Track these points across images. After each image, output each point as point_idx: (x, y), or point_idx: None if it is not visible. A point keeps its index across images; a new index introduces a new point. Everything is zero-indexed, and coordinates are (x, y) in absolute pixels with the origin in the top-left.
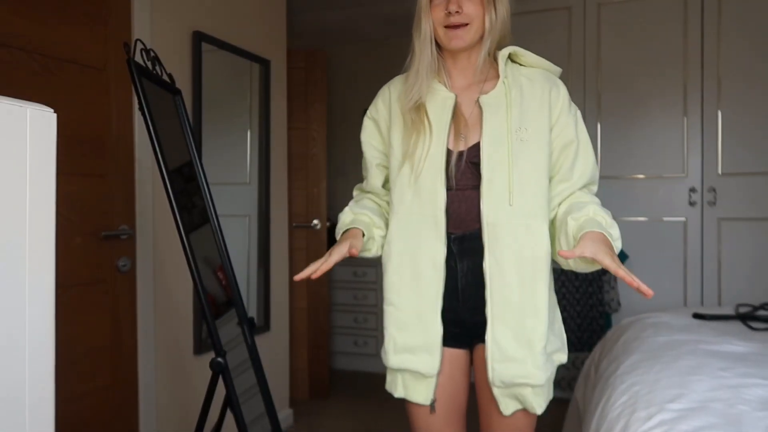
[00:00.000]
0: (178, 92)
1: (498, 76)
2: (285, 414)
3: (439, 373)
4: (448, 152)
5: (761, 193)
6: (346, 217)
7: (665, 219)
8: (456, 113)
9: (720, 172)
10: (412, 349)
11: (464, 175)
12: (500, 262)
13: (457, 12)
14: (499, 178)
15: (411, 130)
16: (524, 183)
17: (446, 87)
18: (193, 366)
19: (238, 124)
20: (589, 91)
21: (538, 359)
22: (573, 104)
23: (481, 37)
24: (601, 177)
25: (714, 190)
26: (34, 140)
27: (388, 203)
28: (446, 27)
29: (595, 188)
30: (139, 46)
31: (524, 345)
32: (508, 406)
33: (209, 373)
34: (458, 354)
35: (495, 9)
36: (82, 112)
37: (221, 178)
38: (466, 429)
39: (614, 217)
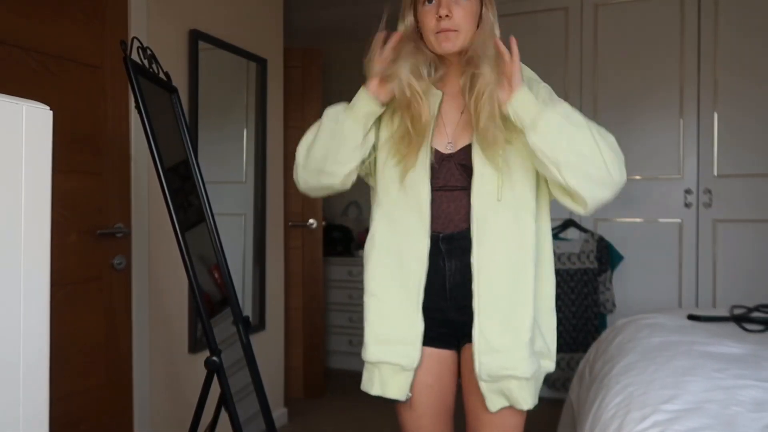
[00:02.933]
0: (174, 90)
1: None
2: (280, 413)
3: (417, 368)
4: (435, 152)
5: (757, 195)
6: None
7: (661, 220)
8: (440, 111)
9: (716, 173)
10: (392, 341)
11: (452, 176)
12: (488, 255)
13: (447, 16)
14: (489, 176)
15: (406, 113)
16: (514, 180)
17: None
18: (188, 364)
19: (235, 122)
20: (585, 92)
21: (523, 350)
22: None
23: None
24: None
25: (709, 191)
26: (30, 138)
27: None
28: (437, 33)
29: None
30: (136, 44)
31: (510, 335)
32: (494, 403)
33: (204, 371)
34: (446, 355)
35: (482, 20)
36: (78, 109)
37: (217, 177)
38: (454, 430)
39: (611, 218)
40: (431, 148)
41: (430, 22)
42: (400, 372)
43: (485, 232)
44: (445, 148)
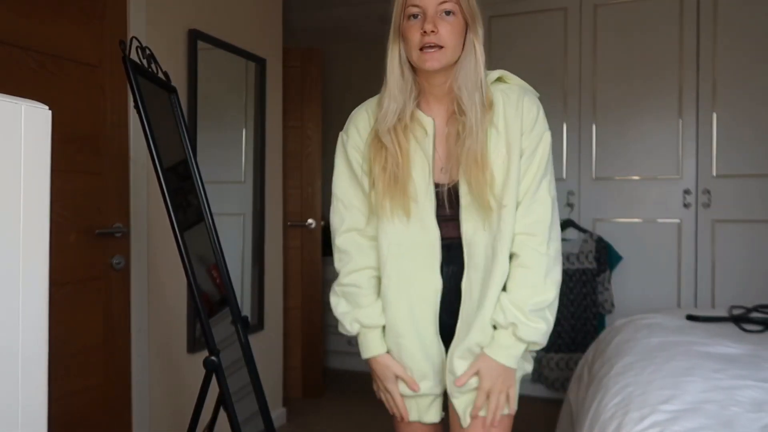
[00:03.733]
0: (173, 90)
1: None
2: (278, 413)
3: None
4: (435, 182)
5: (756, 195)
6: (351, 327)
7: (659, 220)
8: (435, 138)
9: (714, 173)
10: (428, 375)
11: (451, 202)
12: (471, 282)
13: (432, 32)
14: (476, 210)
15: (390, 157)
16: (504, 203)
17: (423, 111)
18: (187, 364)
19: (234, 122)
20: (584, 92)
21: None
22: (544, 122)
23: (456, 62)
24: (596, 178)
25: (708, 191)
26: (29, 137)
27: (371, 237)
28: (420, 49)
29: (544, 229)
30: (135, 43)
31: (487, 334)
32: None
33: (203, 371)
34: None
35: (465, 46)
36: (77, 109)
37: (216, 177)
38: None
39: (610, 218)
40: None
41: (414, 37)
42: (437, 398)
43: (471, 257)
44: (441, 175)
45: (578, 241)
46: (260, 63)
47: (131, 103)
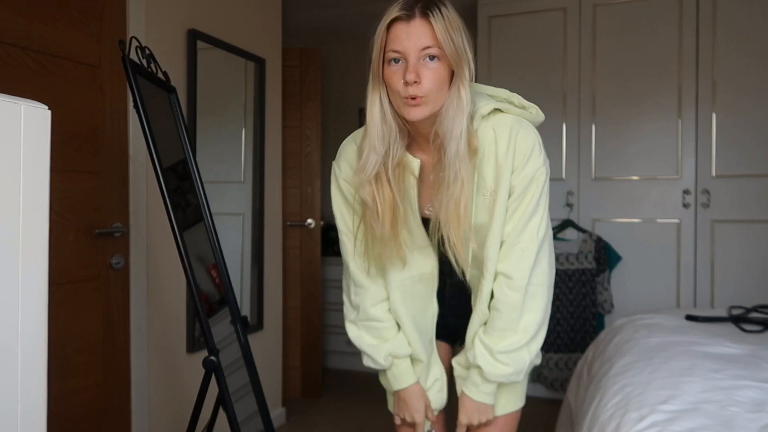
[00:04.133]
0: (172, 90)
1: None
2: (277, 413)
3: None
4: (424, 219)
5: (755, 196)
6: (386, 361)
7: (659, 220)
8: (421, 177)
9: (714, 174)
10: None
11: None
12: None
13: (415, 82)
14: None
15: (370, 213)
16: (488, 243)
17: (412, 152)
18: (186, 364)
19: (233, 122)
20: (583, 92)
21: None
22: (539, 157)
23: (442, 107)
24: (596, 178)
25: (708, 192)
26: (28, 137)
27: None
28: (404, 98)
29: (522, 273)
30: (134, 43)
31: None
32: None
33: (202, 371)
34: (440, 345)
35: (451, 90)
36: (76, 109)
37: (215, 177)
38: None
39: (610, 219)
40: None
41: (396, 85)
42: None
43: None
44: (427, 213)
45: (577, 241)
46: (259, 63)
47: (130, 103)
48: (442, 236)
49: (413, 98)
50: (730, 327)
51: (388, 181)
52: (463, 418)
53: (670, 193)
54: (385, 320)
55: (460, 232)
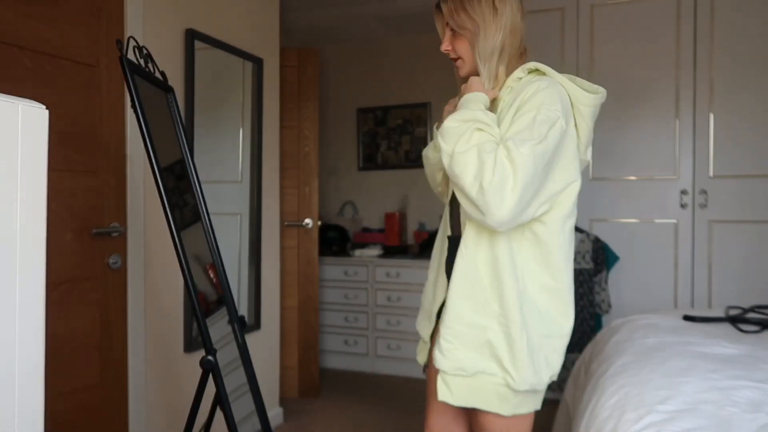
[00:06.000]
0: (170, 90)
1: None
2: (275, 413)
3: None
4: None
5: (752, 196)
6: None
7: (656, 221)
8: None
9: (711, 174)
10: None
11: None
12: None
13: (447, 50)
14: None
15: None
16: None
17: None
18: (183, 364)
19: (231, 122)
20: None
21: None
22: (546, 95)
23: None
24: (593, 178)
25: (705, 192)
26: (26, 136)
27: None
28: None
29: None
30: (132, 43)
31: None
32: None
33: (199, 371)
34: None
35: (485, 34)
36: (74, 108)
37: (213, 176)
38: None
39: (607, 219)
40: None
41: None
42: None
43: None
44: None
45: (575, 241)
46: (257, 63)
47: (128, 103)
48: None
49: (454, 60)
50: (727, 327)
51: None
52: None
53: (668, 194)
54: None
55: None
